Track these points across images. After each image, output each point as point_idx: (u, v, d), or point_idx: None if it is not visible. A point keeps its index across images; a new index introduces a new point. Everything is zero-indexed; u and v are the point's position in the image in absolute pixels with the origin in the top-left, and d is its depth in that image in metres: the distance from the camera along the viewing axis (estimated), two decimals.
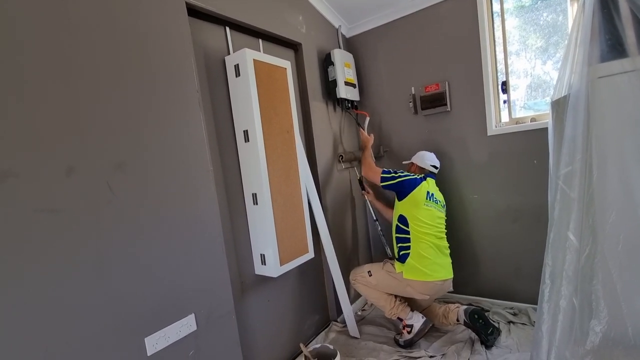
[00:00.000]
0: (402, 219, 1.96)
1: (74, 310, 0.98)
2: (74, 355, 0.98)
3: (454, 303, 2.04)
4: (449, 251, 2.01)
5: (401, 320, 1.98)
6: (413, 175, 1.98)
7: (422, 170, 2.11)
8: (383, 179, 1.99)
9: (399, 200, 1.98)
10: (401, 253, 1.97)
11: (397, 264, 1.99)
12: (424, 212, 1.91)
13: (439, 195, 2.03)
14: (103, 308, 1.04)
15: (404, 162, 2.29)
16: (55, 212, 0.95)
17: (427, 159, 2.11)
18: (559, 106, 0.99)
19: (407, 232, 1.93)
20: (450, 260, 1.99)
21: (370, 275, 2.05)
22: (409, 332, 1.93)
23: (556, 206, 0.85)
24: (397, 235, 2.00)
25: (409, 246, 1.93)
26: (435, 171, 2.11)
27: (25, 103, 0.92)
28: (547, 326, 0.83)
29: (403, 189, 1.94)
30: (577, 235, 0.75)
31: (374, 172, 2.05)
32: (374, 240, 2.73)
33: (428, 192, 1.95)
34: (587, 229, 0.70)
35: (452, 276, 1.96)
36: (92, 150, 1.04)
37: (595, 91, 0.79)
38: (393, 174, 1.97)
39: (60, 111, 0.98)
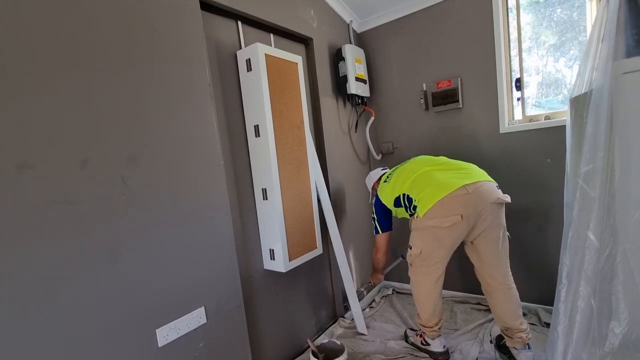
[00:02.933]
0: (398, 199, 1.71)
1: (88, 301, 0.99)
2: (87, 345, 0.99)
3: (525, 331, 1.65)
4: (474, 166, 1.67)
5: (423, 337, 1.83)
6: (377, 207, 1.89)
7: (379, 181, 2.05)
8: (377, 231, 1.91)
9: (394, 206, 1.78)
10: (411, 206, 1.66)
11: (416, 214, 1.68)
12: (397, 175, 1.75)
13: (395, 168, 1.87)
14: (116, 299, 1.06)
15: (370, 203, 2.27)
16: (71, 204, 0.97)
17: (375, 175, 2.11)
18: (578, 103, 0.96)
19: (411, 200, 1.64)
20: (482, 173, 1.62)
21: (411, 248, 1.71)
22: (422, 344, 1.83)
23: (575, 205, 0.83)
24: (404, 203, 1.71)
25: (417, 196, 1.60)
26: (386, 171, 2.03)
27: (42, 97, 0.93)
28: (563, 327, 0.81)
29: (385, 208, 1.84)
30: (598, 235, 0.73)
31: (379, 252, 1.99)
32: None
33: (380, 178, 1.94)
34: (608, 228, 0.68)
35: (481, 179, 1.54)
36: (106, 143, 1.05)
37: (619, 87, 0.77)
38: (375, 222, 1.91)
39: (74, 104, 0.99)
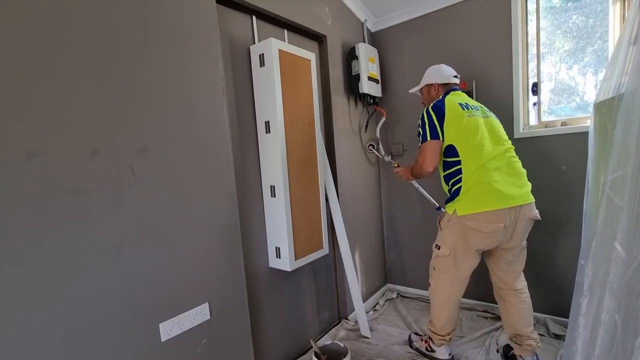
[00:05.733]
0: (449, 150, 1.54)
1: (93, 292, 0.98)
2: (91, 337, 0.98)
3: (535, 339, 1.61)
4: (525, 174, 1.57)
5: (428, 343, 1.79)
6: (432, 112, 1.56)
7: (445, 87, 1.73)
8: (426, 138, 1.56)
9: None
10: (454, 189, 1.55)
11: (448, 205, 1.59)
12: (469, 126, 1.50)
13: (474, 102, 1.64)
14: (121, 291, 1.04)
15: (410, 91, 1.94)
16: (80, 193, 0.96)
17: (446, 71, 1.74)
18: (603, 109, 0.93)
19: (458, 161, 1.51)
20: (529, 184, 1.55)
21: (439, 248, 1.63)
22: (427, 350, 1.79)
23: (600, 214, 0.80)
24: (446, 172, 1.58)
25: (461, 177, 1.50)
26: (458, 81, 1.77)
27: (55, 85, 0.92)
28: (583, 340, 0.77)
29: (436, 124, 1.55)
30: (625, 245, 0.69)
31: (420, 164, 1.58)
32: (389, 241, 2.69)
33: (460, 104, 1.56)
34: (638, 239, 0.64)
35: (530, 201, 1.50)
36: (116, 133, 1.04)
37: None
38: (421, 127, 1.59)
39: (87, 94, 0.98)
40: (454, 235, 1.56)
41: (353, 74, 2.21)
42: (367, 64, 2.20)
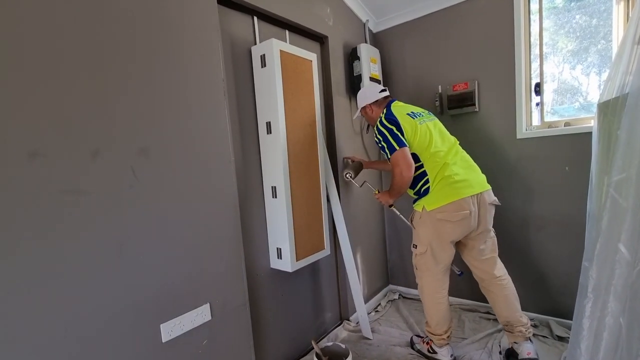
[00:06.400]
0: (412, 157, 1.62)
1: (94, 293, 0.98)
2: (92, 337, 0.98)
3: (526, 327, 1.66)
4: (474, 163, 1.70)
5: (429, 345, 1.80)
6: (388, 124, 1.64)
7: (378, 103, 1.81)
8: (394, 149, 1.60)
9: None
10: (422, 189, 1.65)
11: (416, 204, 1.69)
12: (423, 132, 1.62)
13: (415, 108, 1.74)
14: (122, 291, 1.04)
15: (353, 118, 2.13)
16: (81, 193, 0.95)
17: (370, 91, 1.83)
18: (607, 108, 0.92)
19: (421, 165, 1.63)
20: (483, 174, 1.68)
21: (416, 247, 1.72)
22: (429, 351, 1.79)
23: (604, 215, 0.79)
24: (413, 177, 1.64)
25: (427, 179, 1.62)
26: (387, 92, 1.84)
27: (56, 86, 0.92)
28: (588, 344, 0.76)
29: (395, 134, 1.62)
30: (630, 247, 0.68)
31: (398, 174, 1.61)
32: (390, 241, 2.68)
33: (408, 114, 1.67)
34: None
35: (488, 188, 1.64)
36: (117, 134, 1.04)
37: None
38: (384, 141, 1.64)
39: (89, 94, 0.98)
40: (427, 230, 1.65)
41: (354, 74, 2.21)
42: (369, 64, 2.19)
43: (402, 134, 1.61)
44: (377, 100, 1.81)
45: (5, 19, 0.84)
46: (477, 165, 1.71)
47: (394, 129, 1.61)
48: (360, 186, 2.15)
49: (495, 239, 1.72)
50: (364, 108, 1.88)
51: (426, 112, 1.78)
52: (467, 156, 1.72)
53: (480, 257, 1.69)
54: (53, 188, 0.90)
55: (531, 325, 1.73)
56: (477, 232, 1.64)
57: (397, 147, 1.58)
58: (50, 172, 0.90)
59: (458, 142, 1.74)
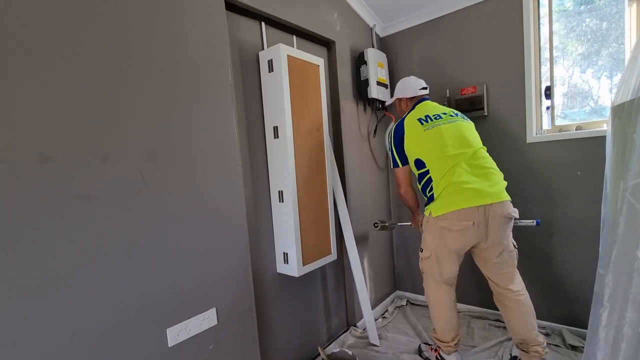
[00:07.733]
0: (418, 163, 1.64)
1: (102, 296, 0.99)
2: (99, 340, 0.98)
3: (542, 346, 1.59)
4: (499, 173, 1.60)
5: (438, 352, 1.77)
6: (394, 137, 1.72)
7: (413, 100, 1.82)
8: (397, 164, 1.74)
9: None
10: (429, 195, 1.63)
11: (425, 208, 1.66)
12: (430, 137, 1.59)
13: (439, 110, 1.70)
14: (129, 296, 1.05)
15: (386, 104, 2.15)
16: (90, 197, 0.96)
17: (413, 84, 1.81)
18: (622, 111, 0.89)
19: (427, 171, 1.60)
20: (503, 183, 1.58)
21: (422, 251, 1.71)
22: (437, 359, 1.76)
23: (621, 221, 0.76)
24: (421, 183, 1.66)
25: (432, 184, 1.59)
26: (427, 92, 1.83)
27: (67, 91, 0.93)
28: (604, 354, 0.73)
29: (400, 148, 1.70)
30: None
31: (401, 187, 1.79)
32: (398, 247, 2.65)
33: (420, 119, 1.65)
34: None
35: (502, 199, 1.51)
36: (127, 138, 1.05)
37: None
38: (390, 150, 1.74)
39: (99, 99, 0.99)
40: (432, 236, 1.63)
41: (362, 79, 2.20)
42: (376, 69, 2.19)
43: (403, 148, 1.69)
44: (414, 97, 1.82)
45: (19, 24, 0.85)
46: (499, 175, 1.60)
47: (399, 144, 1.71)
48: (395, 228, 2.16)
49: (516, 253, 1.61)
50: (400, 99, 1.88)
51: (450, 113, 1.69)
52: (489, 164, 1.60)
53: (495, 271, 1.61)
54: (63, 192, 0.91)
55: (544, 333, 1.67)
56: (486, 244, 1.55)
57: (400, 165, 1.73)
58: (60, 175, 0.91)
59: (484, 149, 1.65)
